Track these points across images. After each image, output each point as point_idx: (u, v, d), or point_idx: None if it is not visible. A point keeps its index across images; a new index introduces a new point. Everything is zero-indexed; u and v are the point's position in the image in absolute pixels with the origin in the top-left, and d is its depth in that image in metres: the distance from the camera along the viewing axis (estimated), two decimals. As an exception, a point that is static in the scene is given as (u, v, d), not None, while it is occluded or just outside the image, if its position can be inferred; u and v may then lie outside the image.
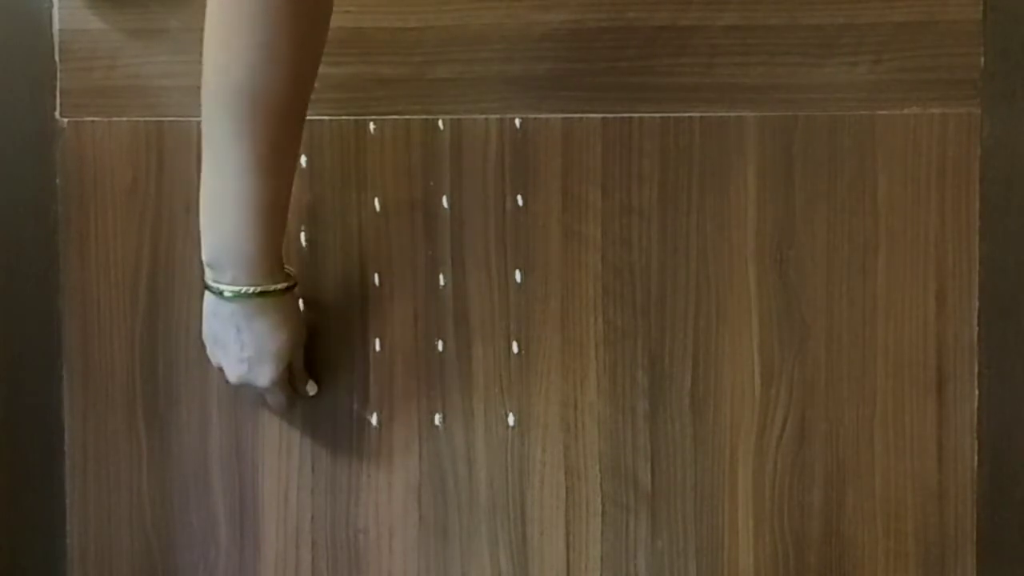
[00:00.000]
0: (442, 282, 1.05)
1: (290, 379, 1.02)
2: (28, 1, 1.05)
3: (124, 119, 1.05)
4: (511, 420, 1.05)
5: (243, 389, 1.00)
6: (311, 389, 1.04)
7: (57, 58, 1.06)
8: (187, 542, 1.07)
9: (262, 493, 1.06)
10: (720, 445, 1.04)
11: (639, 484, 1.04)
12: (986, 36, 1.01)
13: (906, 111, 1.02)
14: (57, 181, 1.06)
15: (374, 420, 1.05)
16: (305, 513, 1.06)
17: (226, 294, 0.93)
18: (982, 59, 1.02)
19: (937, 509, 1.03)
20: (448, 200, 1.04)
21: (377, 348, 1.05)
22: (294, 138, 0.90)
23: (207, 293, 0.95)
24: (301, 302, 1.02)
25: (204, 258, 0.92)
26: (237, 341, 0.95)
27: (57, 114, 1.06)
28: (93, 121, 1.06)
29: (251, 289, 0.92)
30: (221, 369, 0.99)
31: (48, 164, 1.06)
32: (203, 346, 1.05)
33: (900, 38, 1.02)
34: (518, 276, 1.04)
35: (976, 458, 1.02)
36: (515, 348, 1.04)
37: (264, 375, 0.97)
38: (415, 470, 1.06)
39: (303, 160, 1.05)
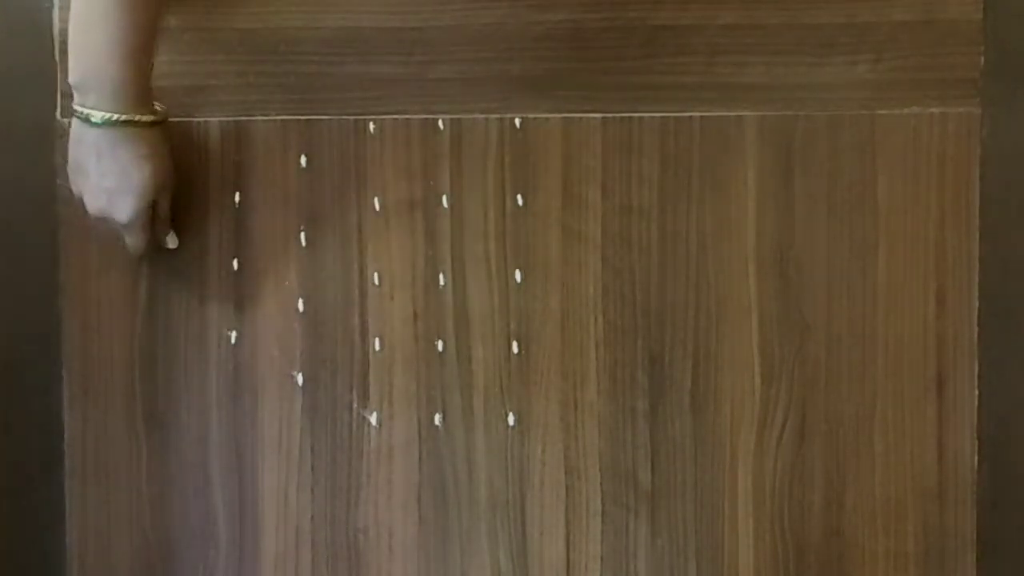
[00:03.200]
0: (442, 282, 1.05)
1: (153, 223, 1.01)
2: (28, 1, 1.05)
3: (124, 119, 1.05)
4: (511, 420, 1.05)
5: (102, 224, 0.99)
6: (171, 241, 1.03)
7: (57, 58, 1.05)
8: (187, 542, 1.07)
9: (262, 493, 1.06)
10: (720, 445, 1.04)
11: (639, 484, 1.04)
12: (986, 36, 1.01)
13: (906, 111, 1.02)
14: (57, 181, 1.06)
15: (374, 420, 1.05)
16: (305, 513, 1.06)
17: (93, 119, 0.93)
18: (982, 59, 1.02)
19: (937, 509, 1.03)
20: (448, 200, 1.04)
21: (377, 348, 1.05)
22: None
23: (74, 119, 0.95)
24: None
25: (71, 79, 0.93)
26: (98, 170, 0.95)
27: (57, 114, 1.06)
28: (93, 121, 1.06)
29: (116, 116, 0.93)
30: (83, 201, 0.98)
31: (48, 164, 1.06)
32: (203, 345, 1.05)
33: (900, 38, 1.02)
34: (518, 276, 1.04)
35: (976, 458, 1.03)
36: (515, 348, 1.04)
37: (124, 209, 0.97)
38: (415, 470, 1.06)
39: (303, 160, 1.05)
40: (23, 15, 1.05)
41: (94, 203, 0.97)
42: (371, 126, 1.04)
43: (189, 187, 1.05)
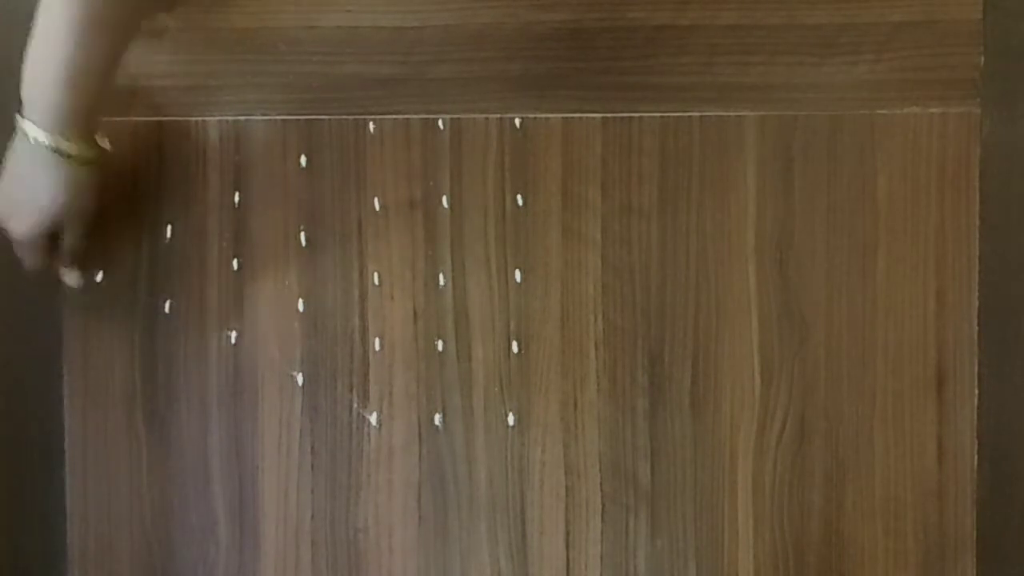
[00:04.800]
0: (442, 282, 1.05)
1: (56, 252, 1.00)
2: (28, 1, 1.05)
3: (124, 119, 1.05)
4: (511, 420, 1.05)
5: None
6: (71, 280, 1.03)
7: (57, 58, 1.05)
8: (187, 542, 1.07)
9: (262, 493, 1.06)
10: (720, 445, 1.04)
11: (639, 484, 1.04)
12: (986, 36, 1.01)
13: (906, 111, 1.02)
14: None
15: (374, 420, 1.05)
16: (305, 512, 1.06)
17: (28, 133, 0.92)
18: (982, 59, 1.02)
19: (937, 509, 1.03)
20: (448, 200, 1.04)
21: (377, 348, 1.05)
22: (125, 13, 0.92)
23: (17, 124, 0.94)
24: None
25: (22, 91, 0.92)
26: (17, 177, 0.95)
27: (57, 114, 1.06)
28: (93, 121, 1.06)
29: (46, 139, 0.92)
30: None
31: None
32: (203, 345, 1.06)
33: (900, 38, 1.02)
34: (518, 276, 1.04)
35: (976, 458, 1.03)
36: (515, 348, 1.04)
37: (20, 225, 0.96)
38: (415, 470, 1.06)
39: (303, 160, 1.05)
40: (22, 14, 1.05)
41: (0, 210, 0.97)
42: (371, 126, 1.04)
43: (189, 187, 1.05)
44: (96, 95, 0.93)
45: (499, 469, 1.05)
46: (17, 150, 0.95)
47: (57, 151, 0.93)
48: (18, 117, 0.94)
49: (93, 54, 0.91)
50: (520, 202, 1.04)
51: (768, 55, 1.03)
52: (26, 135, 0.93)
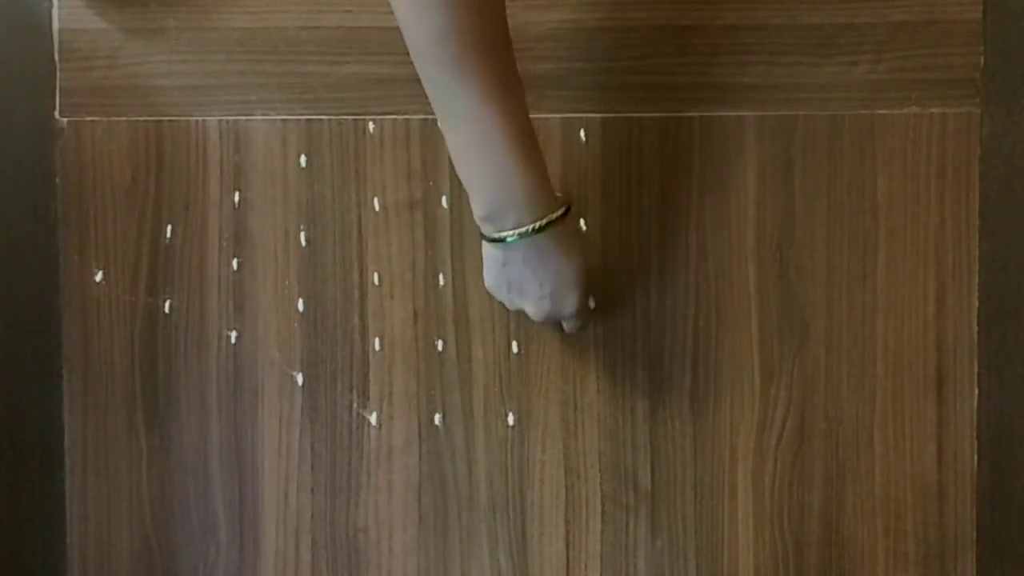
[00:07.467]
0: (442, 282, 1.05)
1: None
2: (28, 1, 1.05)
3: (124, 119, 1.05)
4: (511, 420, 1.05)
5: (545, 325, 1.00)
6: (591, 302, 1.02)
7: (57, 58, 1.05)
8: (187, 542, 1.07)
9: (262, 493, 1.06)
10: (720, 445, 1.04)
11: (639, 484, 1.04)
12: (986, 36, 1.01)
13: (906, 111, 1.02)
14: (57, 181, 1.06)
15: (374, 420, 1.06)
16: (305, 512, 1.06)
17: (510, 239, 0.91)
18: (982, 59, 1.02)
19: (937, 509, 1.03)
20: (448, 200, 1.04)
21: (377, 348, 1.05)
22: (512, 62, 0.89)
23: (489, 247, 0.94)
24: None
25: (480, 214, 0.91)
26: (535, 280, 0.95)
27: (57, 114, 1.06)
28: (93, 121, 1.06)
29: (536, 225, 0.91)
30: (522, 311, 0.98)
31: (48, 164, 1.06)
32: (203, 345, 1.05)
33: (900, 38, 1.02)
34: (518, 276, 1.04)
35: (976, 458, 1.03)
36: (515, 348, 1.04)
37: (569, 304, 0.96)
38: (415, 470, 1.06)
39: (303, 160, 1.05)
40: (23, 15, 1.05)
41: (540, 311, 0.96)
42: (371, 126, 1.04)
43: (189, 187, 1.05)
44: (539, 149, 0.91)
45: (499, 469, 1.05)
46: (512, 260, 0.94)
47: (549, 225, 0.91)
48: (491, 235, 0.92)
49: (517, 109, 0.89)
50: (520, 202, 1.04)
51: (768, 55, 1.03)
52: (505, 241, 0.92)
